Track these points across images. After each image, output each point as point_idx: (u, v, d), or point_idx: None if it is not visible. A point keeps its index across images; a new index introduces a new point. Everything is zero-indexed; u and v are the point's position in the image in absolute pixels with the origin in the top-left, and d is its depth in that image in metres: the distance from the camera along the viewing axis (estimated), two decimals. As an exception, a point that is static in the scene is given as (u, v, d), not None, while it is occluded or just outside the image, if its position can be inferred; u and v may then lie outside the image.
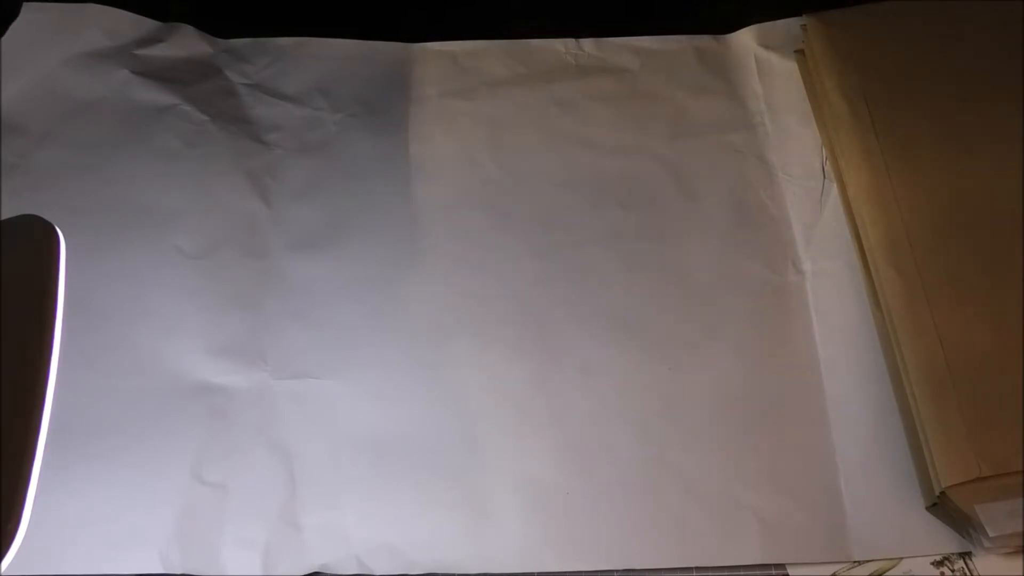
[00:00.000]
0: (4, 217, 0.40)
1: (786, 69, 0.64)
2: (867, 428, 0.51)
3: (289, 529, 0.49)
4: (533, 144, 0.62)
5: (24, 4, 0.65)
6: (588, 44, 0.67)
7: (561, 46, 0.67)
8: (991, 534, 0.45)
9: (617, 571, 0.48)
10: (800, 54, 0.64)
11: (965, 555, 0.47)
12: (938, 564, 0.47)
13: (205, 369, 0.53)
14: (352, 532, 0.49)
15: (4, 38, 0.64)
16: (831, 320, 0.54)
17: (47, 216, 0.40)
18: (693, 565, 0.48)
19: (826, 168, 0.60)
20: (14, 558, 0.33)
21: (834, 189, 0.59)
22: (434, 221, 0.59)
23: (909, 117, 0.56)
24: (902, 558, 0.47)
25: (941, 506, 0.47)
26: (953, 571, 0.47)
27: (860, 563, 0.47)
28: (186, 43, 0.66)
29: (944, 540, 0.48)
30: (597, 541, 0.48)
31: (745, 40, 0.66)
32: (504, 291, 0.56)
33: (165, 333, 0.54)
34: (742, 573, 0.48)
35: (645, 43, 0.67)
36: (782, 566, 0.48)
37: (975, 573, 0.47)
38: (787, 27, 0.65)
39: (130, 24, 0.66)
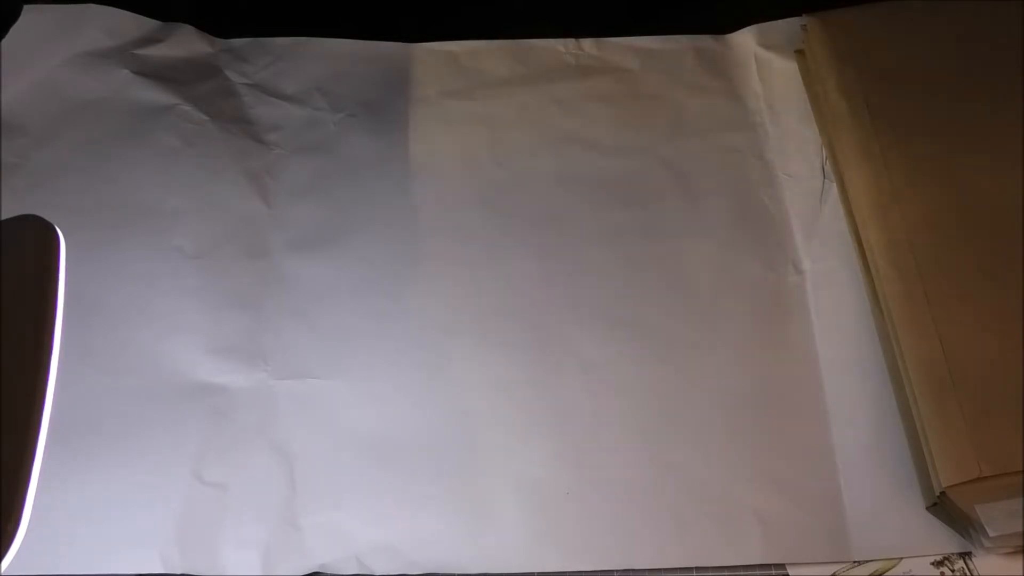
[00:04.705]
0: (4, 217, 0.40)
1: (786, 69, 0.64)
2: (867, 428, 0.51)
3: (289, 529, 0.49)
4: (533, 144, 0.62)
5: (25, 6, 0.65)
6: (588, 44, 0.67)
7: (561, 46, 0.67)
8: (991, 534, 0.45)
9: (617, 571, 0.48)
10: (800, 54, 0.64)
11: (965, 555, 0.47)
12: (938, 564, 0.47)
13: (205, 369, 0.53)
14: (352, 532, 0.49)
15: (4, 40, 0.64)
16: (831, 320, 0.54)
17: (47, 216, 0.40)
18: (693, 565, 0.48)
19: (826, 168, 0.60)
20: (14, 558, 0.33)
21: (834, 189, 0.59)
22: (434, 221, 0.59)
23: (909, 117, 0.56)
24: (902, 558, 0.47)
25: (941, 506, 0.47)
26: (953, 571, 0.47)
27: (860, 563, 0.47)
28: (186, 43, 0.66)
29: (944, 540, 0.48)
30: (597, 541, 0.48)
31: (745, 40, 0.66)
32: (504, 291, 0.56)
33: (165, 333, 0.54)
34: (742, 573, 0.48)
35: (645, 43, 0.67)
36: (782, 566, 0.48)
37: (975, 573, 0.47)
38: (787, 27, 0.65)
39: (130, 24, 0.66)
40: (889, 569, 0.47)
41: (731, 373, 0.53)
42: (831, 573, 0.47)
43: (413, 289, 0.56)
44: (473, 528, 0.49)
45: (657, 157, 0.61)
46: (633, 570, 0.48)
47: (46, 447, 0.35)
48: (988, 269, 0.51)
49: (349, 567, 0.48)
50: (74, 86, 0.63)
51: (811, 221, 0.58)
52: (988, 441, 0.46)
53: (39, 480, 0.34)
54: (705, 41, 0.67)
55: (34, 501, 0.34)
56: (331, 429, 0.51)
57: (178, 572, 0.47)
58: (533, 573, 0.48)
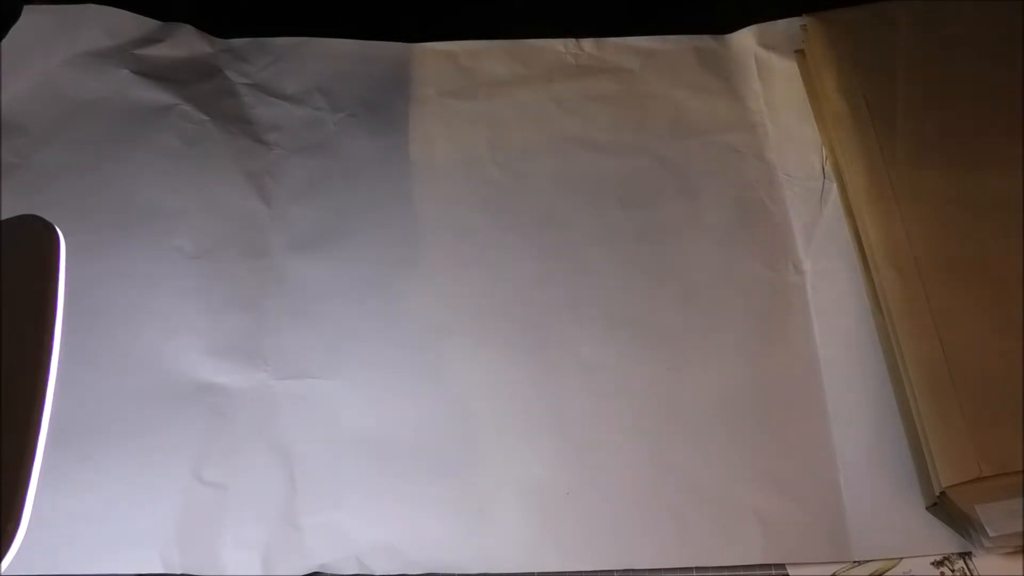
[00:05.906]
0: (4, 217, 0.40)
1: (786, 69, 0.64)
2: (867, 428, 0.51)
3: (289, 529, 0.49)
4: (533, 144, 0.62)
5: (25, 6, 0.65)
6: (588, 44, 0.67)
7: (561, 46, 0.67)
8: (991, 534, 0.45)
9: (617, 571, 0.48)
10: (800, 54, 0.64)
11: (965, 555, 0.47)
12: (938, 564, 0.47)
13: (205, 369, 0.53)
14: (352, 532, 0.49)
15: (5, 40, 0.64)
16: (831, 320, 0.54)
17: (47, 216, 0.40)
18: (693, 565, 0.48)
19: (826, 168, 0.60)
20: (14, 558, 0.33)
21: (834, 189, 0.59)
22: (434, 221, 0.59)
23: (909, 117, 0.56)
24: (902, 558, 0.47)
25: (941, 506, 0.47)
26: (953, 571, 0.47)
27: (860, 563, 0.47)
28: (186, 43, 0.66)
29: (944, 540, 0.48)
30: (597, 541, 0.48)
31: (745, 40, 0.66)
32: (504, 291, 0.56)
33: (165, 333, 0.54)
34: (742, 573, 0.48)
35: (645, 43, 0.67)
36: (782, 566, 0.48)
37: (975, 573, 0.47)
38: (787, 27, 0.66)
39: (130, 24, 0.66)
40: (889, 569, 0.47)
41: (731, 373, 0.53)
42: (831, 573, 0.47)
43: (413, 289, 0.56)
44: (473, 528, 0.49)
45: (657, 157, 0.61)
46: (633, 570, 0.48)
47: (46, 447, 0.35)
48: (988, 269, 0.51)
49: (349, 567, 0.48)
50: (74, 86, 0.63)
51: (811, 221, 0.58)
52: (988, 441, 0.46)
53: (39, 480, 0.34)
54: (705, 41, 0.67)
55: (34, 501, 0.34)
56: (331, 429, 0.51)
57: (178, 572, 0.47)
58: (533, 573, 0.48)
